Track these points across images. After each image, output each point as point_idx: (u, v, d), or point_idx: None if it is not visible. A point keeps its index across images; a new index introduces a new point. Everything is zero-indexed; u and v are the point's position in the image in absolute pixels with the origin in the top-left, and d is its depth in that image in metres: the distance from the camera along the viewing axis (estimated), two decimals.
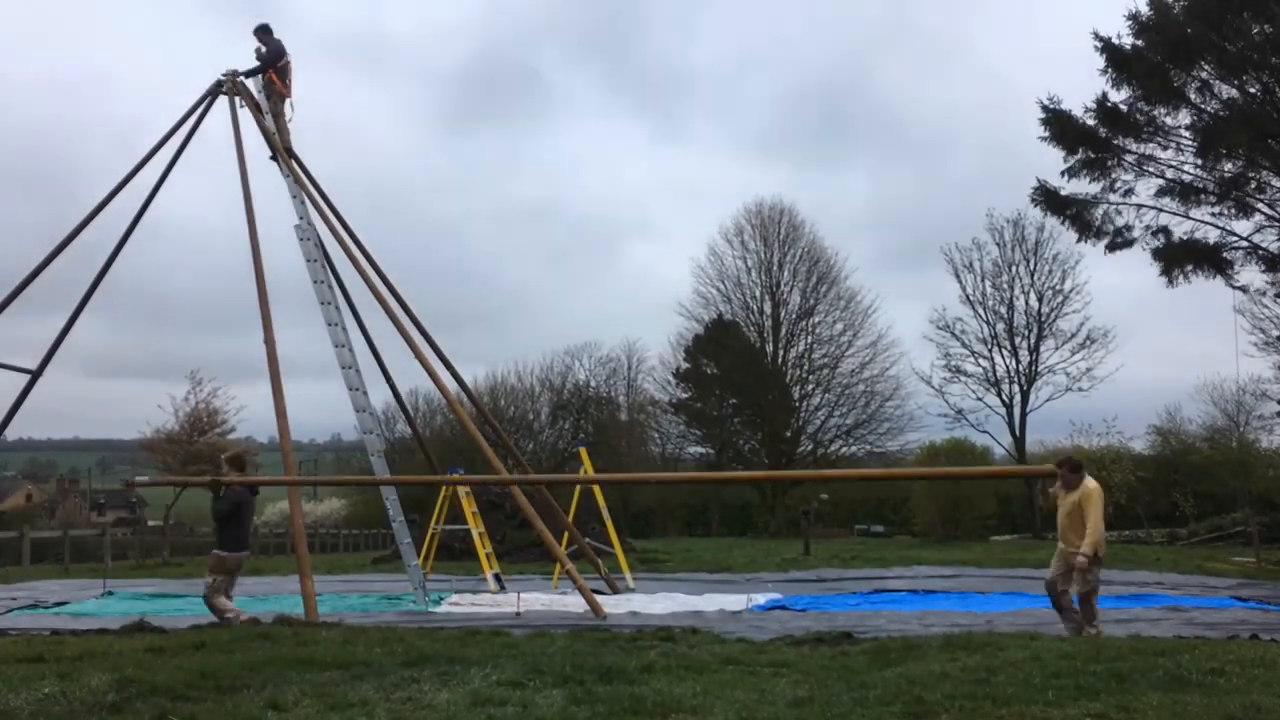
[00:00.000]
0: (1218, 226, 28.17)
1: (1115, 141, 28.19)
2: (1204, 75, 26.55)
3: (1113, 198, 28.74)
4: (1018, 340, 45.85)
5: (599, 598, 13.88)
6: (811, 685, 7.24)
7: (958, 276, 46.89)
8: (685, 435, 58.47)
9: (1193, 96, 26.92)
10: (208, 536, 38.82)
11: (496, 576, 17.57)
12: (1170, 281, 28.43)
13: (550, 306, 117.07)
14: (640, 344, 63.86)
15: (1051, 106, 28.41)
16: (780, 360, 55.43)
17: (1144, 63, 26.73)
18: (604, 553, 19.17)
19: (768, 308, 55.89)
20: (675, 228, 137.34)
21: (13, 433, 18.36)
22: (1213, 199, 27.92)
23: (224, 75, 16.78)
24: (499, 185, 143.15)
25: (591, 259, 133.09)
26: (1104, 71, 27.32)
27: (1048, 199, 29.75)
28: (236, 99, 16.72)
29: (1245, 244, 27.85)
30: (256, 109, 16.84)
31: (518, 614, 13.22)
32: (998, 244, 46.45)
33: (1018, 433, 45.41)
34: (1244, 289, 28.65)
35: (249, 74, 16.78)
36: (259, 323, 14.52)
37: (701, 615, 12.89)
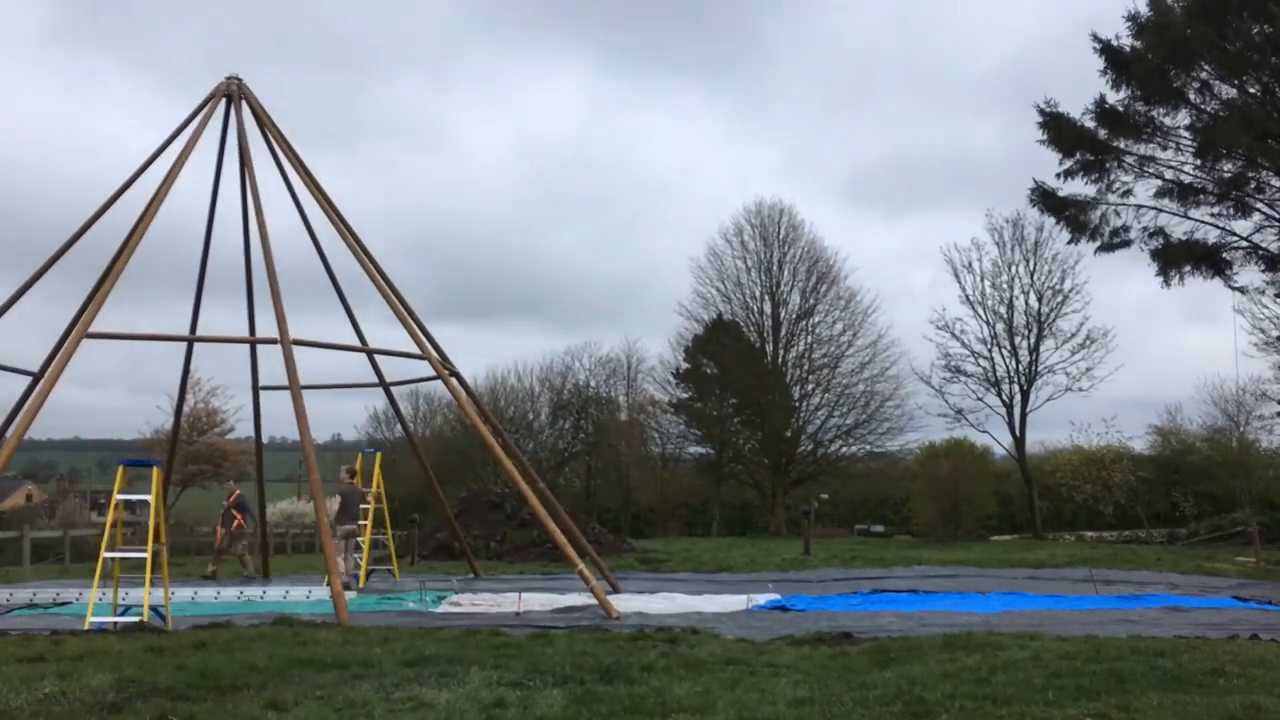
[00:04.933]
0: (1217, 226, 28.22)
1: (1114, 143, 28.18)
2: (1204, 76, 26.55)
3: (1111, 198, 28.78)
4: (1017, 340, 45.79)
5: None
6: (811, 685, 7.25)
7: (957, 277, 46.83)
8: (685, 435, 58.40)
9: (1192, 97, 26.93)
10: (206, 536, 38.77)
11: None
12: (1167, 282, 28.45)
13: None
14: (640, 344, 63.77)
15: (1049, 109, 28.41)
16: (780, 360, 55.37)
17: (1143, 63, 26.73)
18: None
19: (767, 308, 55.87)
20: None
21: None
22: (1212, 199, 27.92)
23: (226, 78, 16.83)
24: None
25: None
26: (1103, 73, 27.33)
27: (1045, 200, 29.74)
28: (241, 102, 16.78)
29: (1245, 244, 27.87)
30: (261, 111, 16.93)
31: (518, 614, 13.22)
32: (997, 244, 46.39)
33: (1018, 433, 45.38)
34: (1243, 289, 28.68)
35: None
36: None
37: (701, 615, 12.87)
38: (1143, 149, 28.16)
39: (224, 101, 16.92)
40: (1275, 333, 29.75)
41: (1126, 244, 29.06)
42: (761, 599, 14.68)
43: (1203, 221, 28.28)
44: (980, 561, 23.77)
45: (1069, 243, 33.40)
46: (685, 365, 57.02)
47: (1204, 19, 25.21)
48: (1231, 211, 27.78)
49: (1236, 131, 25.32)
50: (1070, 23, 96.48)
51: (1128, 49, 27.02)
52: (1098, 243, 29.65)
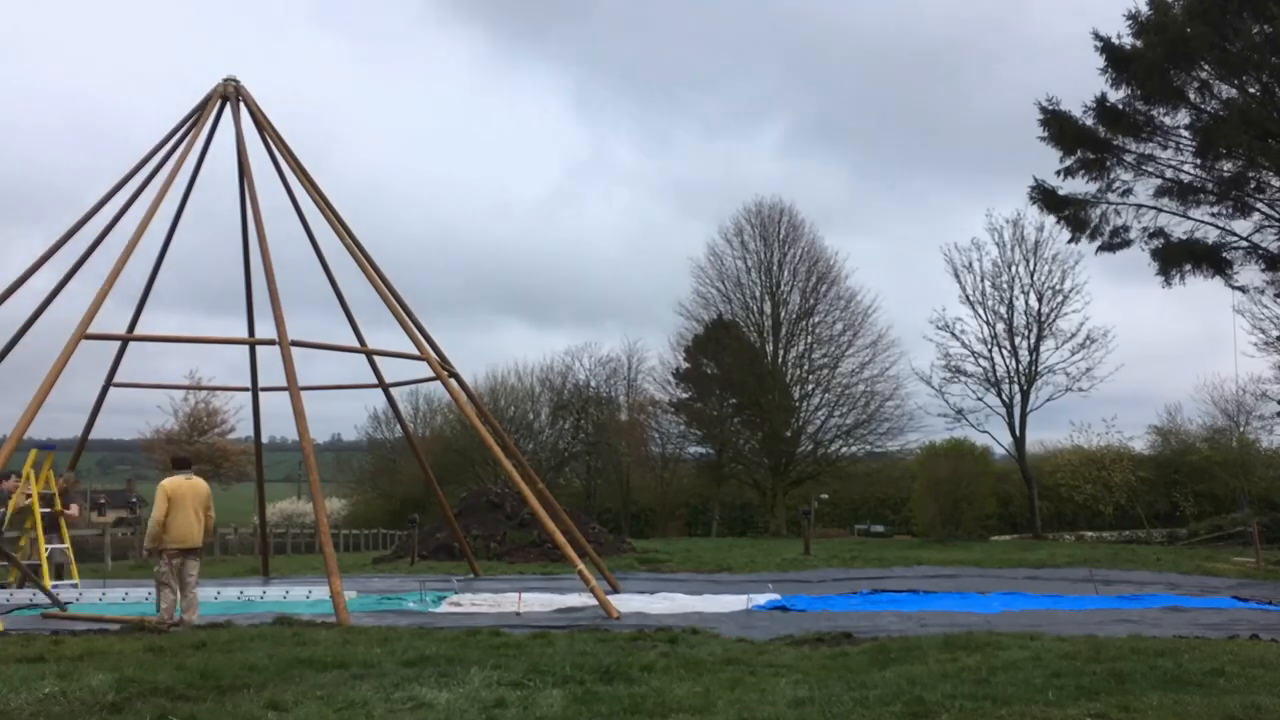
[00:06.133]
0: (1217, 226, 28.23)
1: (1114, 141, 28.19)
2: (1204, 75, 26.56)
3: (1111, 197, 28.79)
4: (1018, 340, 45.80)
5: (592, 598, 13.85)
6: (811, 685, 7.25)
7: (957, 277, 46.85)
8: (685, 435, 58.36)
9: (1192, 96, 26.93)
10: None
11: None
12: (1167, 281, 28.45)
13: None
14: (640, 344, 63.76)
15: (1050, 107, 28.40)
16: (780, 360, 55.34)
17: (1144, 63, 26.73)
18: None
19: (768, 308, 55.80)
20: None
21: None
22: (1212, 199, 27.92)
23: (224, 80, 16.82)
24: None
25: None
26: (1103, 71, 27.34)
27: (1045, 198, 29.75)
28: (239, 103, 16.77)
29: (1245, 244, 27.88)
30: (259, 113, 16.94)
31: (518, 614, 13.22)
32: (997, 244, 46.41)
33: (1018, 433, 45.39)
34: (1243, 289, 28.71)
35: None
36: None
37: (701, 615, 12.86)
38: (1143, 148, 28.19)
39: (220, 103, 16.92)
40: (1275, 333, 29.78)
41: (1126, 243, 29.09)
42: (761, 599, 14.67)
43: (1203, 221, 28.32)
44: (980, 561, 23.76)
45: (1069, 242, 33.54)
46: (685, 365, 57.01)
47: (1204, 19, 25.22)
48: (1231, 211, 27.82)
49: (1236, 131, 25.32)
50: None
51: (1128, 48, 27.04)
52: (1098, 242, 29.69)
